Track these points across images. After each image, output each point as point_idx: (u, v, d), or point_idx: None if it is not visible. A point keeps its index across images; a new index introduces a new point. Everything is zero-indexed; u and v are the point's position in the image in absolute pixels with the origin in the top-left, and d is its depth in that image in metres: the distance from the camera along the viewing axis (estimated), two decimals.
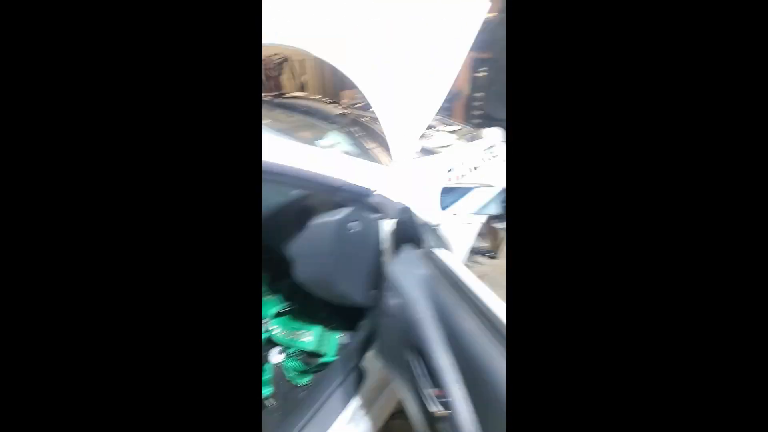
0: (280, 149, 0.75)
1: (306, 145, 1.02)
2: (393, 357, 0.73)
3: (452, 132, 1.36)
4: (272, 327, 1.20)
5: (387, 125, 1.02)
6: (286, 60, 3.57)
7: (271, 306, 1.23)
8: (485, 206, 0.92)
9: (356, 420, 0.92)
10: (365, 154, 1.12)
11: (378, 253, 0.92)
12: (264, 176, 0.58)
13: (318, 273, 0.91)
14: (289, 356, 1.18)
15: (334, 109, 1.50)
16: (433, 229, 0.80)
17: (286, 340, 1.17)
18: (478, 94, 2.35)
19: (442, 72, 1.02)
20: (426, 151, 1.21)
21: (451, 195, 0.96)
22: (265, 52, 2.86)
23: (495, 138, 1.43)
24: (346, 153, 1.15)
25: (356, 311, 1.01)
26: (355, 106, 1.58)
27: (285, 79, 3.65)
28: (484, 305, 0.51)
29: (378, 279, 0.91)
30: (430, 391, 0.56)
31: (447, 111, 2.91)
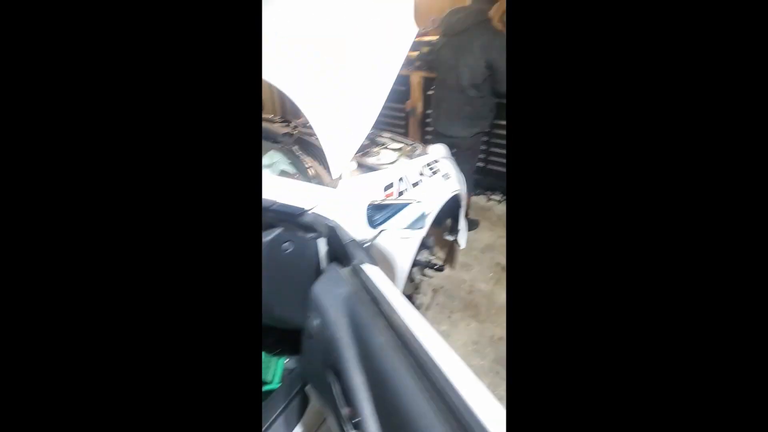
0: None
1: None
2: (316, 379, 0.72)
3: (396, 149, 1.39)
4: None
5: (325, 143, 1.02)
6: None
7: None
8: (414, 222, 0.94)
9: None
10: (303, 172, 1.12)
11: (317, 273, 0.90)
12: None
13: None
14: None
15: (281, 129, 1.50)
16: (362, 246, 0.80)
17: None
18: (429, 111, 2.44)
19: (373, 91, 1.04)
20: (368, 169, 1.23)
21: (381, 212, 0.96)
22: None
23: (438, 154, 1.48)
24: (284, 171, 1.14)
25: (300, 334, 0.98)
26: (307, 125, 1.58)
27: None
28: (398, 318, 0.52)
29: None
30: (344, 411, 0.55)
31: (402, 128, 2.98)
